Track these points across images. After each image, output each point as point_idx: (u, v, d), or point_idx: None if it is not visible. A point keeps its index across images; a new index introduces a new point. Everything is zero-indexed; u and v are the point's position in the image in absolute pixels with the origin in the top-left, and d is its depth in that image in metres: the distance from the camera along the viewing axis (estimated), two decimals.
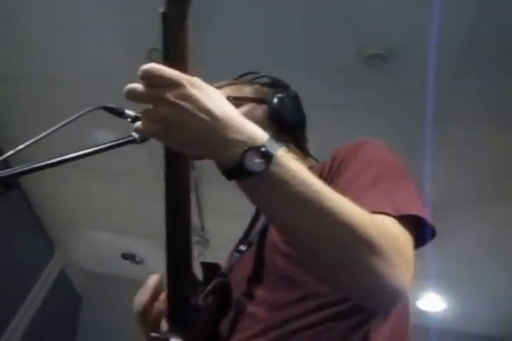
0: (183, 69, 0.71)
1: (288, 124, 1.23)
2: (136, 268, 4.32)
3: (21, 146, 0.91)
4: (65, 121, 0.98)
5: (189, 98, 0.67)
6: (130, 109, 1.07)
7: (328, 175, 0.97)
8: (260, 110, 1.23)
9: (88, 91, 2.70)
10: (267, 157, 0.69)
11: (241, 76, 1.34)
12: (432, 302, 4.28)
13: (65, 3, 2.43)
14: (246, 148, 0.68)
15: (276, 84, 1.30)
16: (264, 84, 1.29)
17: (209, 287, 0.98)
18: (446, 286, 4.03)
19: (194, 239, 3.79)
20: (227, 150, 0.69)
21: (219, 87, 1.27)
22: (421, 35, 2.29)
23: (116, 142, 1.00)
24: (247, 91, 1.26)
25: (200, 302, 0.96)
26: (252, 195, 0.74)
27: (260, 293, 0.97)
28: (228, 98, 1.19)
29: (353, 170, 0.92)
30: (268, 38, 2.44)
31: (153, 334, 0.95)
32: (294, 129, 1.25)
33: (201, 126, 0.68)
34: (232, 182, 0.72)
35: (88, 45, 2.58)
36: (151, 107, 0.69)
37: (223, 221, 3.46)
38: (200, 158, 0.77)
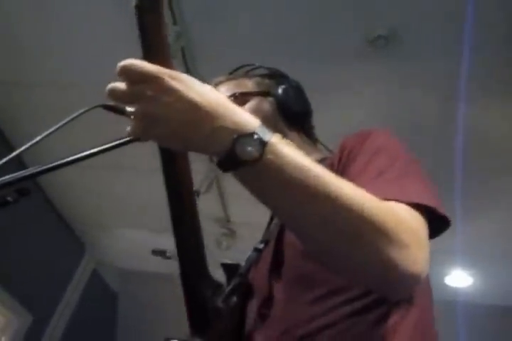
0: (163, 63, 0.68)
1: (296, 114, 1.22)
2: (168, 263, 4.37)
3: (32, 142, 0.91)
4: (65, 121, 0.98)
5: (169, 90, 0.65)
6: None
7: (339, 167, 0.95)
8: (267, 103, 1.22)
9: (94, 91, 2.73)
10: (260, 144, 0.65)
11: (235, 70, 1.33)
12: (459, 278, 4.26)
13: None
14: (236, 136, 0.65)
15: (275, 75, 1.29)
16: (263, 76, 1.28)
17: (228, 288, 0.98)
18: (473, 262, 3.99)
19: (221, 231, 3.83)
20: (216, 139, 0.65)
21: (218, 84, 1.26)
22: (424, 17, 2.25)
23: (122, 141, 1.01)
24: (250, 85, 1.24)
25: (219, 304, 0.95)
26: (249, 185, 0.70)
27: (281, 291, 0.95)
28: (234, 95, 1.20)
29: (361, 161, 0.89)
30: (274, 22, 2.42)
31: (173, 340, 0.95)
32: (303, 119, 1.24)
33: (184, 116, 0.65)
34: None
35: (93, 44, 2.60)
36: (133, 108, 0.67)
37: (247, 210, 3.46)
38: (194, 151, 0.71)
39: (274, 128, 1.15)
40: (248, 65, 1.33)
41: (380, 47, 2.39)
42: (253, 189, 0.70)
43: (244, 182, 0.70)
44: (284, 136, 1.17)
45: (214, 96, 0.67)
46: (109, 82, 0.68)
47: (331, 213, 0.67)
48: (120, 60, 0.67)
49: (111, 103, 1.05)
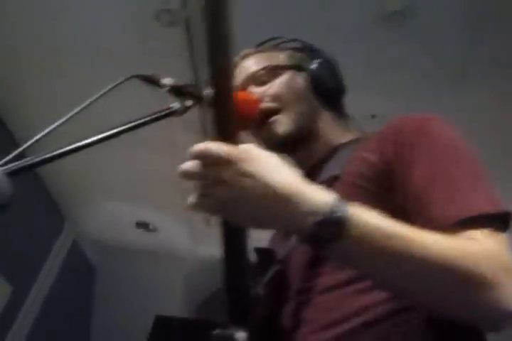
0: (234, 140, 0.69)
1: (330, 92, 1.16)
2: (150, 236, 4.32)
3: (61, 120, 0.83)
4: (100, 94, 0.89)
5: (246, 174, 0.66)
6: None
7: (395, 158, 0.90)
8: (301, 78, 1.15)
9: (93, 60, 2.62)
10: (341, 223, 0.66)
11: (264, 42, 1.24)
12: None
13: None
14: (316, 220, 0.66)
15: (308, 49, 1.21)
16: (295, 49, 1.20)
17: (267, 276, 0.92)
18: None
19: None
20: (297, 224, 0.67)
21: (246, 56, 1.19)
22: None
23: (156, 115, 0.94)
24: (282, 58, 1.17)
25: (260, 292, 0.90)
26: (335, 257, 0.73)
27: (324, 280, 0.91)
28: (266, 68, 1.14)
29: (425, 164, 0.86)
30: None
31: (215, 332, 0.89)
32: (337, 97, 1.17)
33: (263, 201, 0.66)
34: None
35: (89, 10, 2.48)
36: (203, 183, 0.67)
37: None
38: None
39: (307, 106, 1.12)
40: (278, 38, 1.24)
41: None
42: (338, 259, 0.74)
43: (329, 254, 0.72)
44: (316, 114, 1.14)
45: (289, 176, 0.69)
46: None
47: (418, 273, 0.70)
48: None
49: (143, 73, 1.00)
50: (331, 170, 1.02)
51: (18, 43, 2.70)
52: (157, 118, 0.94)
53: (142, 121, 0.91)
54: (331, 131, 1.14)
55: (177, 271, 4.55)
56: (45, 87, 2.92)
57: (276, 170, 0.68)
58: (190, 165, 0.68)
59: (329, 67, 1.17)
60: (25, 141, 0.83)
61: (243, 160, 0.66)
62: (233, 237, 0.79)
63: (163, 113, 0.94)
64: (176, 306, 4.44)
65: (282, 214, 0.67)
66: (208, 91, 0.97)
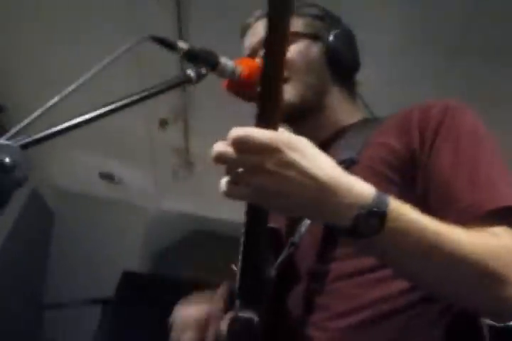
0: (275, 126, 0.65)
1: (345, 66, 1.11)
2: (113, 187, 4.24)
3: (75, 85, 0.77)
4: (112, 57, 0.82)
5: (290, 165, 0.63)
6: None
7: (421, 146, 0.89)
8: (316, 48, 1.10)
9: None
10: (380, 217, 0.66)
11: None
12: None
13: None
14: (358, 214, 0.65)
15: (327, 17, 1.15)
16: (314, 17, 1.14)
17: (280, 258, 0.91)
18: None
19: (179, 161, 3.73)
20: (338, 215, 0.66)
21: (259, 18, 1.12)
22: None
23: (171, 83, 0.88)
24: (299, 25, 1.11)
25: (272, 274, 0.89)
26: (369, 251, 0.73)
27: (340, 266, 0.90)
28: None
29: (451, 153, 0.86)
30: None
31: (231, 315, 0.89)
32: (350, 72, 1.13)
33: (305, 192, 0.64)
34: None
35: None
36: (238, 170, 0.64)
37: (208, 145, 3.37)
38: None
39: (317, 78, 1.08)
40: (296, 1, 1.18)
41: None
42: (372, 253, 0.74)
43: (363, 248, 0.72)
44: (326, 89, 1.10)
45: (331, 168, 0.67)
46: None
47: (445, 267, 0.71)
48: None
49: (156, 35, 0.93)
50: (345, 152, 0.99)
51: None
52: (170, 87, 0.88)
53: (155, 90, 0.86)
54: (340, 108, 1.11)
55: (138, 222, 4.52)
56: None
57: (320, 161, 0.66)
58: (227, 149, 0.64)
59: (347, 39, 1.13)
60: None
61: (287, 149, 0.63)
62: (257, 220, 0.78)
63: (176, 81, 0.89)
64: (134, 258, 4.43)
65: (323, 206, 0.66)
66: (225, 61, 0.92)
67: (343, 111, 1.12)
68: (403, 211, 0.69)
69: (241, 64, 0.96)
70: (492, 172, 0.84)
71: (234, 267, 0.95)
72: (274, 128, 0.65)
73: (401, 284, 0.85)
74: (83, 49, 2.50)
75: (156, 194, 4.20)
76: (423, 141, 0.89)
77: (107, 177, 4.21)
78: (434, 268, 0.72)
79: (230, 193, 0.65)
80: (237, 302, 0.91)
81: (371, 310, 0.85)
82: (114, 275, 3.93)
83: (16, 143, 0.66)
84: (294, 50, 1.07)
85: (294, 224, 0.96)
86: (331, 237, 0.91)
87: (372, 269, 0.87)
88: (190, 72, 0.89)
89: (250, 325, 0.84)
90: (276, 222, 0.98)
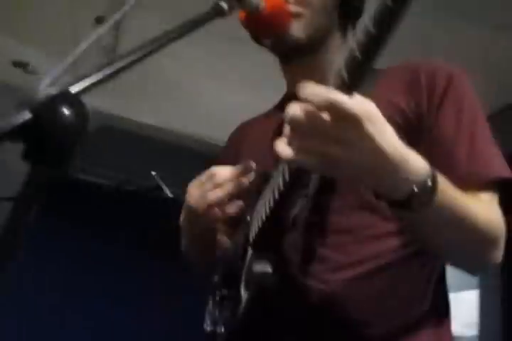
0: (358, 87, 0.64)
1: (353, 14, 1.12)
2: (29, 78, 4.03)
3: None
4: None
5: (366, 137, 0.63)
6: None
7: (427, 111, 0.95)
8: None
9: None
10: (432, 192, 0.70)
11: None
12: None
13: None
14: (412, 188, 0.68)
15: None
16: None
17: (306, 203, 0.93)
18: None
19: (104, 60, 3.59)
20: (396, 188, 0.69)
21: None
22: None
23: (201, 17, 0.90)
24: None
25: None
26: (412, 221, 0.78)
27: (339, 220, 0.94)
28: None
29: (454, 121, 0.93)
30: None
31: (254, 266, 0.90)
32: (355, 19, 1.14)
33: (372, 164, 0.65)
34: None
35: None
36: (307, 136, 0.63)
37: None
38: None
39: (327, 20, 1.09)
40: None
41: None
42: (413, 223, 0.79)
43: (407, 218, 0.77)
44: (331, 32, 1.11)
45: (397, 142, 0.68)
46: None
47: (463, 234, 0.81)
48: None
49: None
50: None
51: None
52: (203, 21, 0.89)
53: (189, 26, 0.81)
54: (338, 52, 1.13)
55: None
56: None
57: (388, 134, 0.67)
58: (310, 113, 0.61)
59: None
60: None
61: (367, 121, 0.62)
62: (298, 180, 0.80)
63: (208, 14, 0.83)
64: None
65: (386, 177, 0.68)
66: None
67: (340, 55, 1.11)
68: (446, 186, 0.74)
69: None
70: (486, 145, 0.93)
71: (247, 217, 0.97)
72: (354, 90, 0.64)
73: (394, 241, 0.94)
74: None
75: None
76: (430, 107, 0.94)
77: (21, 65, 3.98)
78: (455, 235, 0.81)
79: (296, 160, 0.64)
80: (250, 251, 0.95)
81: (368, 264, 0.92)
82: None
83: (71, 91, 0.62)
84: None
85: None
86: (327, 187, 0.93)
87: (368, 226, 0.94)
88: (223, 4, 0.84)
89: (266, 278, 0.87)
90: (266, 165, 1.00)
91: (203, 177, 0.98)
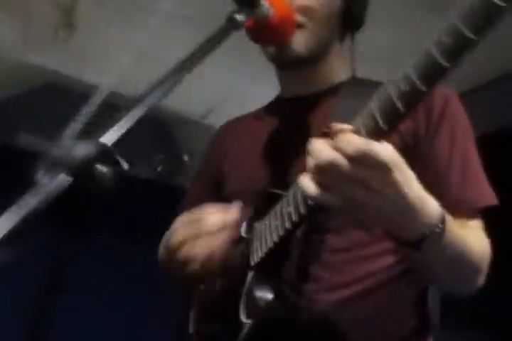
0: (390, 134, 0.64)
1: (355, 23, 1.11)
2: None
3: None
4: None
5: (392, 184, 0.63)
6: None
7: (425, 136, 0.97)
8: (339, 2, 1.07)
9: None
10: (441, 235, 0.72)
11: None
12: None
13: None
14: (424, 231, 0.70)
15: None
16: None
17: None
18: None
19: (62, 21, 3.42)
20: (410, 231, 0.70)
21: None
22: None
23: (219, 33, 0.86)
24: None
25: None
26: (415, 257, 0.78)
27: (335, 239, 0.94)
28: None
29: (448, 147, 0.95)
30: None
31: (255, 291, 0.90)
32: (357, 29, 1.13)
33: (395, 209, 0.66)
34: None
35: None
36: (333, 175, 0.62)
37: (97, 12, 3.15)
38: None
39: (329, 31, 1.07)
40: None
41: None
42: (418, 258, 0.78)
43: (409, 254, 0.77)
44: (332, 43, 1.09)
45: (419, 189, 0.68)
46: None
47: (457, 264, 0.84)
48: None
49: None
50: (344, 115, 0.93)
51: None
52: (221, 37, 0.86)
53: (210, 44, 0.78)
54: (336, 63, 1.13)
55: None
56: None
57: (411, 180, 0.67)
58: (340, 159, 0.61)
59: None
60: None
61: (395, 169, 0.63)
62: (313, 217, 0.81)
63: (225, 27, 0.81)
64: None
65: (405, 221, 0.69)
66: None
67: (337, 66, 1.12)
68: (451, 224, 0.75)
69: (273, 4, 0.92)
70: (477, 175, 0.96)
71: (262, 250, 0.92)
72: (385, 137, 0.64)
73: (384, 261, 0.95)
74: None
75: (23, 47, 3.86)
76: (427, 131, 0.96)
77: None
78: (451, 266, 0.83)
79: (320, 198, 0.64)
80: (251, 275, 0.93)
81: (358, 285, 0.93)
82: None
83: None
84: (320, 0, 1.04)
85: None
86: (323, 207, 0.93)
87: (361, 246, 0.95)
88: (240, 17, 0.81)
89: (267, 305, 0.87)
90: (259, 177, 1.01)
91: (193, 216, 0.94)
